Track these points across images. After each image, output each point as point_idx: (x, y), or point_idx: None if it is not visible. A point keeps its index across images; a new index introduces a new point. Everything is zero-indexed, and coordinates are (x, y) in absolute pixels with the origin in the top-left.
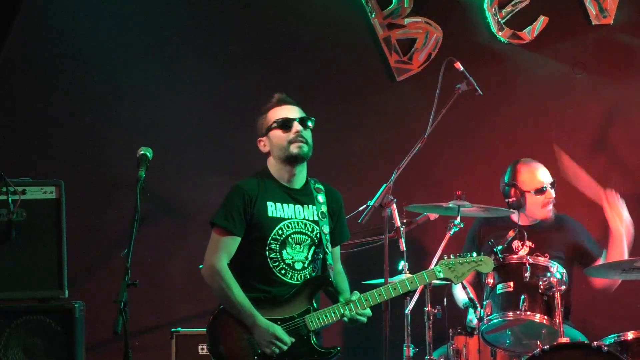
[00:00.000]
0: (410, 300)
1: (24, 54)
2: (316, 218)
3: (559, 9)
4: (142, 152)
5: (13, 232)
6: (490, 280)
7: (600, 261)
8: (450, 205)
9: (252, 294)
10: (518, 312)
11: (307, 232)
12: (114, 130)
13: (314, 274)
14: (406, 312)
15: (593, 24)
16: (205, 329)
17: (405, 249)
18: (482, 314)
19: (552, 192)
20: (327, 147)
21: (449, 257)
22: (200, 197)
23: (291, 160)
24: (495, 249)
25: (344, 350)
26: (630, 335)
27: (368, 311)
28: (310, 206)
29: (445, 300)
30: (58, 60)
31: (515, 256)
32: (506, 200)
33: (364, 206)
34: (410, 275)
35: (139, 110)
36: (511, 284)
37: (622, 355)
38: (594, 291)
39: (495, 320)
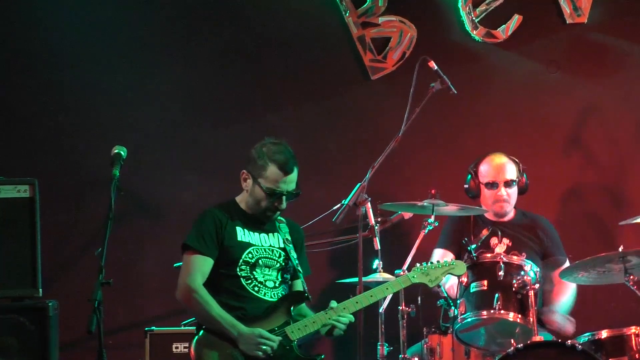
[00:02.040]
0: (384, 299)
1: None
2: (282, 245)
3: (533, 8)
4: (116, 151)
5: None
6: (464, 279)
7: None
8: (425, 204)
9: (230, 313)
10: (492, 311)
11: (274, 257)
12: (88, 129)
13: (285, 293)
14: (380, 310)
15: (567, 22)
16: (179, 328)
17: (379, 247)
18: (456, 313)
19: (505, 191)
20: (301, 145)
21: (421, 265)
22: (174, 196)
23: (260, 217)
24: (469, 248)
25: (318, 349)
26: (604, 334)
27: (350, 316)
28: (275, 234)
29: (419, 298)
30: (32, 59)
31: (489, 255)
32: (464, 186)
33: (338, 205)
34: (386, 282)
35: (113, 109)
36: (485, 282)
37: (596, 354)
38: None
39: (469, 319)
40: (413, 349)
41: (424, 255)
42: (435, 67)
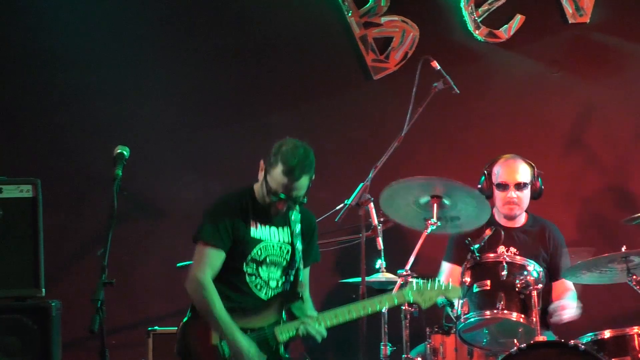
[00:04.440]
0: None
1: None
2: (289, 238)
3: (535, 8)
4: (119, 151)
5: None
6: (467, 279)
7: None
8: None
9: (226, 303)
10: (495, 311)
11: (282, 254)
12: (90, 129)
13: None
14: (383, 310)
15: (569, 22)
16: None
17: (382, 247)
18: (459, 313)
19: (515, 194)
20: None
21: (417, 283)
22: (176, 195)
23: (268, 205)
24: (472, 248)
25: (321, 350)
26: (607, 334)
27: (324, 332)
28: (285, 227)
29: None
30: (32, 59)
31: (492, 255)
32: (478, 186)
33: (341, 205)
34: (380, 296)
35: (115, 109)
36: (488, 282)
37: (598, 354)
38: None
39: (472, 319)
40: (416, 350)
41: (426, 255)
42: (438, 67)
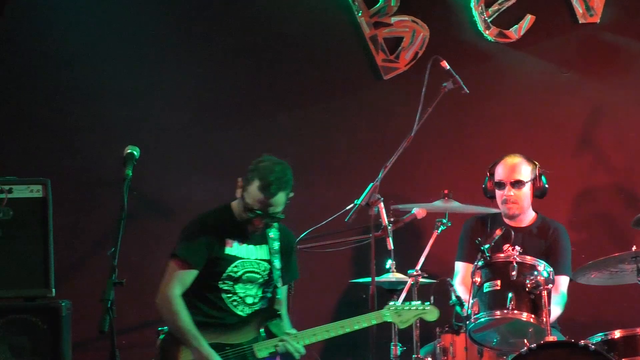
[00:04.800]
0: (397, 299)
1: (8, 53)
2: (267, 256)
3: (545, 8)
4: (129, 151)
5: (0, 231)
6: (478, 279)
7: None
8: (437, 203)
9: (203, 319)
10: (505, 311)
11: (259, 271)
12: (100, 129)
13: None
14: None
15: (580, 22)
16: None
17: (392, 247)
18: (469, 313)
19: (513, 192)
20: (313, 145)
21: (394, 304)
22: (186, 195)
23: (245, 222)
24: (482, 247)
25: (330, 349)
26: (617, 334)
27: (302, 350)
28: (263, 245)
29: (432, 298)
30: (43, 59)
31: (502, 255)
32: (482, 186)
33: (351, 205)
34: (358, 317)
35: (125, 109)
36: (498, 282)
37: (609, 354)
38: (580, 291)
39: (482, 319)
40: (426, 349)
41: (436, 255)
42: (448, 67)
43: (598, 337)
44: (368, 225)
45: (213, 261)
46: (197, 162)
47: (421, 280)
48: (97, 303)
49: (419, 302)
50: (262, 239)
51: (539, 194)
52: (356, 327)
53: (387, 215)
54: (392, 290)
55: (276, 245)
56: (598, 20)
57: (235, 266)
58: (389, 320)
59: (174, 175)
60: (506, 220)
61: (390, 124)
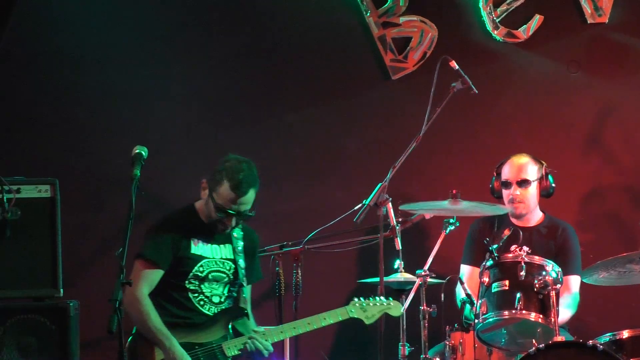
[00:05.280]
0: (406, 300)
1: (17, 54)
2: (231, 255)
3: (554, 8)
4: (137, 151)
5: (8, 231)
6: (486, 279)
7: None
8: (446, 204)
9: (171, 319)
10: (513, 311)
11: (224, 270)
12: (108, 129)
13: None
14: (401, 310)
15: (588, 22)
16: None
17: (401, 247)
18: (478, 312)
19: (519, 191)
20: (321, 145)
21: (359, 300)
22: (194, 196)
23: (213, 228)
24: (490, 248)
25: (339, 350)
26: (625, 334)
27: (271, 347)
28: (227, 245)
29: (442, 296)
30: (51, 60)
31: (510, 255)
32: (490, 186)
33: (359, 205)
34: (324, 313)
35: (133, 109)
36: (506, 282)
37: (617, 354)
38: (588, 291)
39: (490, 319)
40: (434, 349)
41: (444, 255)
42: (456, 67)
43: (606, 337)
44: (376, 226)
45: (179, 261)
46: (206, 162)
47: (429, 280)
48: (106, 303)
49: (383, 297)
50: (227, 239)
51: (545, 193)
52: (323, 324)
53: (396, 216)
54: (400, 291)
55: (240, 245)
56: (606, 20)
57: (201, 266)
58: (355, 316)
59: (182, 176)
60: (513, 220)
61: (399, 124)
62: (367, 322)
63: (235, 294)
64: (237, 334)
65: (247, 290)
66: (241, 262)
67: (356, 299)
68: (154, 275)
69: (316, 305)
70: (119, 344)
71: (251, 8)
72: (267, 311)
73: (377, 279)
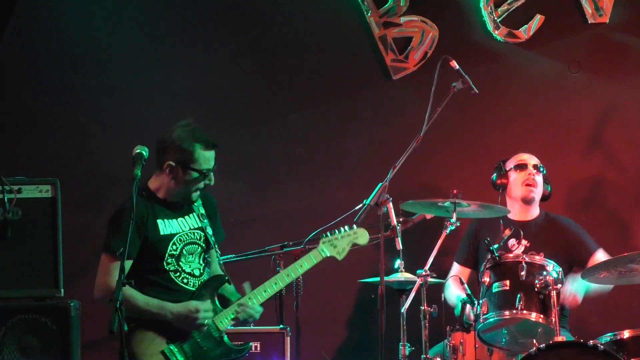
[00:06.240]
0: (406, 299)
1: (18, 54)
2: (199, 224)
3: (555, 8)
4: (138, 151)
5: (9, 231)
6: (487, 279)
7: (597, 257)
8: (446, 204)
9: None
10: (514, 311)
11: (195, 240)
12: (109, 129)
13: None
14: (402, 311)
15: (589, 22)
16: None
17: (401, 247)
18: (478, 311)
19: (535, 176)
20: (322, 145)
21: (327, 236)
22: None
23: (185, 199)
24: (491, 248)
25: (340, 350)
26: (626, 334)
27: (260, 308)
28: (191, 214)
29: (443, 296)
30: (52, 60)
31: (511, 255)
32: (491, 178)
33: (360, 205)
34: (298, 260)
35: (134, 109)
36: (507, 282)
37: (618, 354)
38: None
39: (491, 319)
40: (435, 349)
41: (445, 255)
42: (457, 67)
43: (607, 337)
44: (377, 225)
45: (151, 245)
46: None
47: (430, 280)
48: (106, 303)
49: (347, 227)
50: (189, 209)
51: (545, 197)
52: (300, 271)
53: (396, 215)
54: (401, 290)
55: (202, 209)
56: (607, 20)
57: (173, 244)
58: (327, 254)
59: None
60: (512, 218)
61: (400, 124)
62: (339, 257)
63: (209, 259)
64: (222, 300)
65: (213, 253)
66: (208, 229)
67: (324, 236)
68: (125, 264)
69: (317, 305)
70: (120, 344)
71: (252, 8)
72: (267, 311)
73: (377, 279)
